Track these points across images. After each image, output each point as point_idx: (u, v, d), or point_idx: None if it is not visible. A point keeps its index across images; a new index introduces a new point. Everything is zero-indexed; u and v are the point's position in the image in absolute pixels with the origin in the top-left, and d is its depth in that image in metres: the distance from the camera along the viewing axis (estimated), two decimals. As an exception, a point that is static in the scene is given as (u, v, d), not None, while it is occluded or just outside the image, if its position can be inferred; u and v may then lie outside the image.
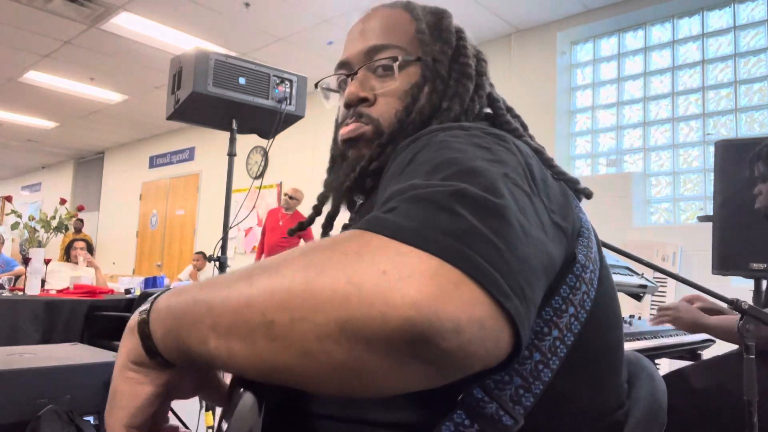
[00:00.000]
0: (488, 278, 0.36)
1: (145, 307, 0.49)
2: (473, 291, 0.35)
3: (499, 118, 0.74)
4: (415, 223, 0.38)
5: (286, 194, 5.40)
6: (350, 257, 0.36)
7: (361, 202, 0.76)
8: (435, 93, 0.71)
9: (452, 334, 0.34)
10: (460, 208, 0.39)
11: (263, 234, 5.51)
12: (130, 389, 0.49)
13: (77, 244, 4.40)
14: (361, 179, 0.71)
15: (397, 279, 0.34)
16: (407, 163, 0.51)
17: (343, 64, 0.78)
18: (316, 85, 0.85)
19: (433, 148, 0.50)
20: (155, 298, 0.49)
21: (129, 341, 0.49)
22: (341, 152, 0.77)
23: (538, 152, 0.62)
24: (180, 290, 0.47)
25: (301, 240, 5.37)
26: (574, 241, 0.55)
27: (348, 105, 0.74)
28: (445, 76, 0.72)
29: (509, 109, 0.77)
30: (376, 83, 0.73)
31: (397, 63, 0.72)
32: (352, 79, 0.75)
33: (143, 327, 0.48)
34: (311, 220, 0.84)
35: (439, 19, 0.78)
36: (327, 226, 0.79)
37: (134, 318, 0.49)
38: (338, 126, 0.77)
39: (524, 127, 0.75)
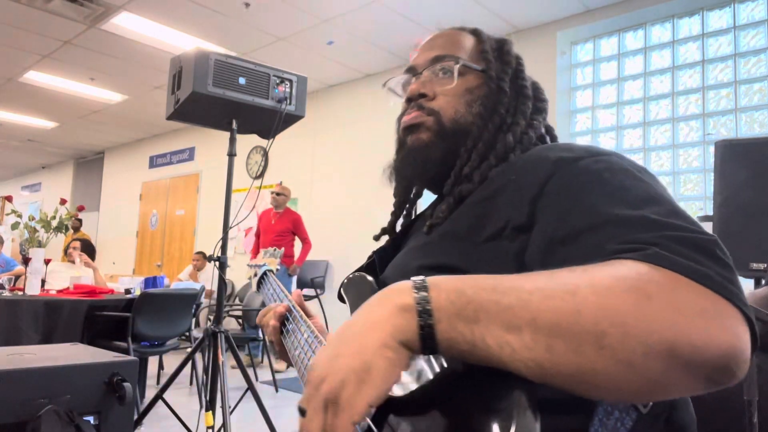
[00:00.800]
0: (752, 325, 0.46)
1: (417, 283, 0.49)
2: (748, 330, 0.45)
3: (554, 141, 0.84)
4: (709, 271, 0.46)
5: (272, 192, 5.38)
6: (668, 289, 0.44)
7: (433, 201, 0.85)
8: (501, 105, 0.79)
9: (744, 366, 0.44)
10: (724, 257, 0.48)
11: (257, 235, 5.49)
12: (388, 369, 0.47)
13: (73, 244, 4.40)
14: (426, 168, 0.80)
15: (716, 318, 0.44)
16: (595, 183, 0.58)
17: (410, 69, 0.87)
18: (384, 85, 0.94)
19: (620, 174, 0.58)
20: (424, 280, 0.49)
21: (400, 318, 0.47)
22: (400, 141, 0.85)
23: None
24: (461, 279, 0.49)
25: (295, 237, 5.37)
26: None
27: (409, 99, 0.83)
28: (507, 91, 0.80)
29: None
30: (437, 84, 0.81)
31: (458, 66, 0.80)
32: (415, 80, 0.84)
33: (426, 307, 0.47)
34: (398, 216, 0.92)
35: (501, 44, 0.86)
36: (399, 214, 0.90)
37: (406, 296, 0.48)
38: (400, 118, 0.86)
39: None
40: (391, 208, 0.95)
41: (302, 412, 0.50)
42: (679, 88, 4.09)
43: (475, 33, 0.87)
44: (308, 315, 0.88)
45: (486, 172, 0.73)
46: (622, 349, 0.42)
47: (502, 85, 0.80)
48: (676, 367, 0.42)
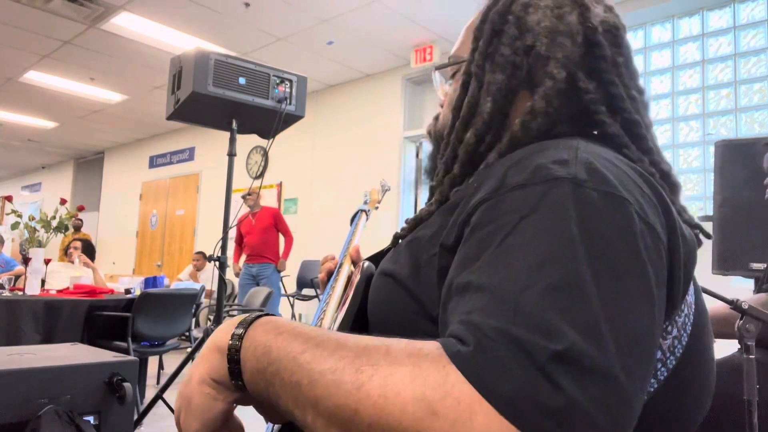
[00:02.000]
0: None
1: (239, 331, 0.49)
2: None
3: (598, 126, 0.61)
4: (519, 396, 0.36)
5: (242, 196, 5.31)
6: (459, 412, 0.36)
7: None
8: (469, 93, 0.66)
9: None
10: (563, 378, 0.36)
11: (238, 242, 5.46)
12: (206, 403, 0.51)
13: (73, 244, 4.40)
14: (428, 175, 0.78)
15: None
16: (507, 232, 0.46)
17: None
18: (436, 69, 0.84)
19: (541, 225, 0.45)
20: (249, 324, 0.50)
21: (214, 359, 0.50)
22: None
23: (664, 187, 0.54)
24: (279, 331, 0.48)
25: (280, 234, 5.36)
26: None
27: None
28: (477, 71, 0.65)
29: (625, 108, 0.62)
30: (443, 90, 0.80)
31: (453, 70, 0.76)
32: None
33: (234, 354, 0.49)
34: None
35: (502, 3, 0.67)
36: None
37: (224, 338, 0.50)
38: None
39: (638, 137, 0.62)
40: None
41: None
42: (679, 88, 4.09)
43: (486, 6, 0.69)
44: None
45: (448, 188, 0.65)
46: None
47: (470, 67, 0.66)
48: None
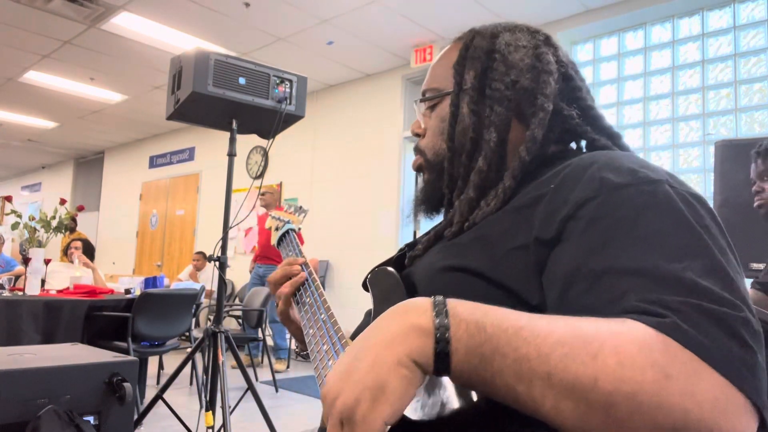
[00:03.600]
0: (764, 408, 0.44)
1: (438, 305, 0.48)
2: (756, 421, 0.44)
3: (587, 142, 0.76)
4: (730, 355, 0.44)
5: (258, 194, 5.33)
6: (687, 372, 0.43)
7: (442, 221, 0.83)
8: (461, 125, 0.76)
9: None
10: (750, 340, 0.46)
11: (260, 235, 5.49)
12: (403, 388, 0.46)
13: (74, 244, 4.40)
14: (429, 203, 0.82)
15: (726, 408, 0.43)
16: (630, 224, 0.53)
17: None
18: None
19: (666, 215, 0.53)
20: (443, 304, 0.48)
21: (417, 339, 0.47)
22: None
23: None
24: (483, 311, 0.48)
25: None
26: None
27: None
28: (474, 107, 0.75)
29: (604, 122, 0.77)
30: (426, 120, 0.84)
31: (432, 102, 0.81)
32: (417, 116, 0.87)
33: (444, 334, 0.46)
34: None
35: (482, 40, 0.78)
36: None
37: (425, 318, 0.47)
38: None
39: (623, 147, 0.77)
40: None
41: (323, 430, 0.50)
42: (679, 88, 4.09)
43: (464, 38, 0.81)
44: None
45: (467, 211, 0.71)
46: (629, 423, 0.42)
47: (460, 100, 0.76)
48: None
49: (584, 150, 0.77)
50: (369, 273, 0.80)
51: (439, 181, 0.79)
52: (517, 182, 0.69)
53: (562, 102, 0.74)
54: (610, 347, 0.43)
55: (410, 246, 0.83)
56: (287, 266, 0.90)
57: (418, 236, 0.89)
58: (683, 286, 0.47)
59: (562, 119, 0.73)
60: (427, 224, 0.85)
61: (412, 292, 0.70)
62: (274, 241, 1.15)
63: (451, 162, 0.77)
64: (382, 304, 0.72)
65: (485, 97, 0.74)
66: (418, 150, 0.83)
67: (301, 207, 1.22)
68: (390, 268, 0.77)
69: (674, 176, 0.59)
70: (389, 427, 0.47)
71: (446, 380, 0.53)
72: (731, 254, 0.53)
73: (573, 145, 0.78)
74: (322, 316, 0.76)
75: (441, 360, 0.46)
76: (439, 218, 0.87)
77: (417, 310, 0.48)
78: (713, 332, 0.44)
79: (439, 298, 0.49)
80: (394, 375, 0.46)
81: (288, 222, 1.15)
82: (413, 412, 0.53)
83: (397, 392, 0.46)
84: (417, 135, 0.85)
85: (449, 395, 0.53)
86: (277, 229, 1.16)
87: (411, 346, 0.47)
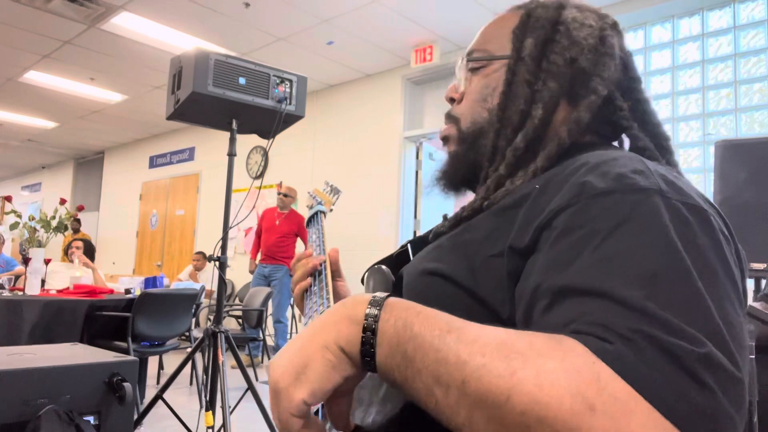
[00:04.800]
0: None
1: (374, 303, 0.48)
2: None
3: (629, 138, 0.70)
4: (674, 395, 0.38)
5: (280, 193, 5.39)
6: (618, 409, 0.37)
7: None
8: (516, 96, 0.68)
9: None
10: (710, 379, 0.39)
11: (258, 234, 5.49)
12: (325, 371, 0.47)
13: (74, 244, 4.40)
14: (453, 178, 0.76)
15: None
16: (605, 235, 0.47)
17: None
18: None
19: (645, 231, 0.47)
20: (383, 300, 0.48)
21: (346, 327, 0.48)
22: None
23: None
24: (417, 310, 0.47)
25: (298, 238, 5.37)
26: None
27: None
28: (529, 78, 0.68)
29: (658, 126, 0.71)
30: (466, 84, 0.76)
31: (477, 63, 0.74)
32: (454, 82, 0.80)
33: (372, 323, 0.47)
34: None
35: (547, 11, 0.71)
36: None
37: (356, 309, 0.48)
38: None
39: (666, 150, 0.70)
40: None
41: None
42: (679, 88, 4.09)
43: (526, 7, 0.74)
44: (339, 276, 0.88)
45: (494, 187, 0.67)
46: None
47: (517, 68, 0.69)
48: None
49: (626, 149, 0.71)
50: (367, 270, 0.79)
51: (471, 154, 0.72)
52: (552, 164, 0.63)
53: (618, 91, 0.69)
54: (533, 365, 0.40)
55: (414, 243, 0.81)
56: (304, 266, 0.86)
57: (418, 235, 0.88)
58: (640, 314, 0.42)
59: (611, 109, 0.69)
60: (426, 224, 0.84)
61: (401, 289, 0.68)
62: (307, 217, 1.14)
63: (497, 134, 0.70)
64: None
65: (541, 70, 0.68)
66: (450, 117, 0.76)
67: (335, 187, 1.17)
68: (383, 267, 0.76)
69: (675, 183, 0.52)
70: (313, 406, 0.48)
71: (399, 395, 0.53)
72: (725, 277, 0.47)
73: (615, 143, 0.73)
74: (321, 308, 0.74)
75: (366, 351, 0.47)
76: (451, 199, 0.84)
77: (355, 303, 0.49)
78: (662, 367, 0.39)
79: (382, 294, 0.49)
80: (318, 356, 0.47)
81: (321, 203, 1.12)
82: (364, 422, 0.54)
83: (317, 374, 0.47)
84: (452, 100, 0.77)
85: (398, 410, 0.53)
86: (310, 207, 1.13)
87: (339, 332, 0.48)
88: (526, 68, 0.68)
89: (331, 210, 1.13)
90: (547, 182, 0.57)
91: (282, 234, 5.28)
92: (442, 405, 0.43)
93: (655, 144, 0.69)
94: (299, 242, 5.41)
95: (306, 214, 1.13)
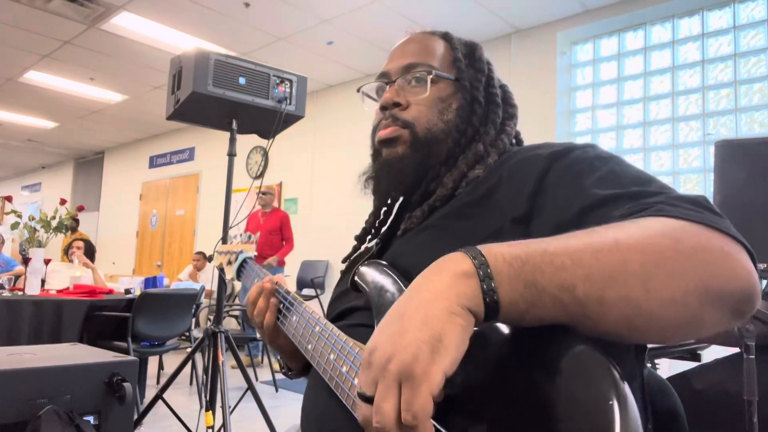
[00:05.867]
0: (753, 257, 0.53)
1: (468, 250, 0.50)
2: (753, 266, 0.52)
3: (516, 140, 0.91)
4: (713, 217, 0.53)
5: (258, 193, 5.36)
6: (691, 233, 0.51)
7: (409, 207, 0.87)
8: (474, 115, 0.84)
9: (758, 296, 0.51)
10: (716, 209, 0.55)
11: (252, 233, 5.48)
12: (459, 335, 0.46)
13: (75, 244, 4.40)
14: (401, 179, 0.83)
15: (733, 256, 0.50)
16: (589, 170, 0.65)
17: (383, 75, 0.89)
18: (358, 90, 0.96)
19: (609, 161, 0.66)
20: (475, 247, 0.51)
21: (462, 284, 0.48)
22: (376, 151, 0.87)
23: None
24: (509, 244, 0.51)
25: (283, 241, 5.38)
26: None
27: (384, 108, 0.85)
28: (481, 101, 0.85)
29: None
30: (410, 93, 0.84)
31: (431, 76, 0.83)
32: (389, 87, 0.86)
33: (487, 271, 0.48)
34: (376, 219, 0.94)
35: (472, 49, 0.89)
36: (376, 218, 0.92)
37: (463, 261, 0.49)
38: (375, 129, 0.88)
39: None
40: (389, 209, 0.95)
41: (366, 398, 0.46)
42: (679, 88, 4.09)
43: (446, 38, 0.89)
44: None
45: (460, 179, 0.79)
46: (666, 289, 0.47)
47: (475, 95, 0.84)
48: (710, 302, 0.48)
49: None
50: (352, 274, 0.78)
51: (423, 157, 0.81)
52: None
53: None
54: (623, 234, 0.50)
55: (358, 239, 0.90)
56: (258, 289, 0.87)
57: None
58: (649, 194, 0.58)
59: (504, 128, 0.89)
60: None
61: (406, 276, 0.71)
62: (230, 276, 1.11)
63: (456, 143, 0.83)
64: (376, 292, 0.72)
65: (489, 98, 0.86)
66: (400, 120, 0.82)
67: (249, 235, 1.18)
68: (382, 261, 0.76)
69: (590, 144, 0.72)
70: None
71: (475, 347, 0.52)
72: None
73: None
74: (317, 328, 0.73)
75: (489, 297, 0.48)
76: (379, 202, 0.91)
77: (455, 260, 0.50)
78: (692, 207, 0.54)
79: (468, 246, 0.51)
80: (449, 324, 0.46)
81: (240, 252, 1.12)
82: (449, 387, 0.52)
83: (455, 340, 0.45)
84: (396, 105, 0.83)
85: (485, 359, 0.52)
86: (229, 263, 1.12)
87: (458, 292, 0.47)
88: (480, 96, 0.84)
89: (255, 255, 1.12)
90: (511, 169, 0.73)
91: (268, 231, 5.29)
92: (571, 305, 0.48)
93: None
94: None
95: (228, 271, 1.11)
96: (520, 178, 0.69)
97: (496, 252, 0.49)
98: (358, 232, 0.95)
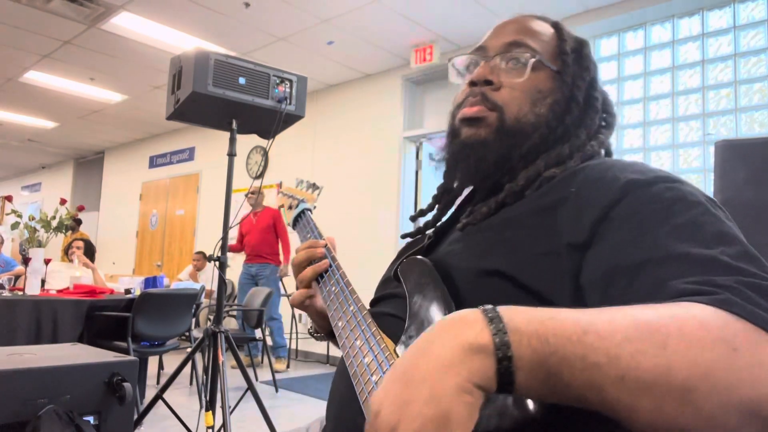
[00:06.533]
0: None
1: (490, 316, 0.45)
2: None
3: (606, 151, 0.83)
4: None
5: (246, 195, 5.33)
6: (752, 342, 0.43)
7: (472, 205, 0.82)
8: (569, 114, 0.77)
9: None
10: None
11: (239, 240, 5.46)
12: (468, 415, 0.42)
13: (75, 244, 4.40)
14: (479, 167, 0.76)
15: None
16: (667, 213, 0.56)
17: (480, 48, 0.82)
18: (449, 61, 0.86)
19: (695, 207, 0.56)
20: (498, 314, 0.45)
21: (476, 362, 0.43)
22: (454, 130, 0.80)
23: None
24: (540, 318, 0.45)
25: (278, 239, 5.37)
26: None
27: (473, 83, 0.78)
28: (580, 101, 0.78)
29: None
30: (505, 73, 0.77)
31: (533, 60, 0.76)
32: (483, 63, 0.79)
33: (507, 353, 0.43)
34: (431, 207, 0.88)
35: (581, 45, 0.83)
36: (437, 204, 0.87)
37: (484, 336, 0.44)
38: (458, 105, 0.80)
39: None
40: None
41: None
42: (679, 88, 4.08)
43: (556, 26, 0.83)
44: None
45: (533, 179, 0.72)
46: (707, 405, 0.41)
47: (575, 94, 0.77)
48: (755, 424, 0.42)
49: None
50: (398, 264, 0.77)
51: (505, 147, 0.74)
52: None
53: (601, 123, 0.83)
54: (676, 332, 0.43)
55: (413, 218, 0.85)
56: (310, 249, 0.86)
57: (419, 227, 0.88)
58: (727, 267, 0.49)
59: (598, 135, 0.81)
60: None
61: (445, 279, 0.69)
62: (288, 220, 1.05)
63: (543, 139, 0.75)
64: (414, 293, 0.70)
65: (589, 101, 0.79)
66: (489, 101, 0.76)
67: (314, 184, 1.11)
68: (424, 258, 0.74)
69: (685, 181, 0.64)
70: None
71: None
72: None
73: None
74: (351, 308, 0.72)
75: (504, 379, 0.43)
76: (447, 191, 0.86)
77: (470, 327, 0.45)
78: (764, 303, 0.45)
79: (489, 308, 0.46)
80: (457, 403, 0.42)
81: (302, 201, 1.06)
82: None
83: (463, 420, 0.42)
84: (488, 83, 0.77)
85: (504, 405, 0.50)
86: (290, 207, 1.06)
87: (471, 369, 0.43)
88: (580, 96, 0.78)
89: (314, 207, 1.07)
90: (581, 184, 0.64)
91: (260, 231, 5.29)
92: (596, 403, 0.43)
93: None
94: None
95: (287, 215, 1.06)
96: (588, 200, 0.61)
97: (522, 329, 0.44)
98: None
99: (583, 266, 0.57)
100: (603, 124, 0.81)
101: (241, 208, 2.51)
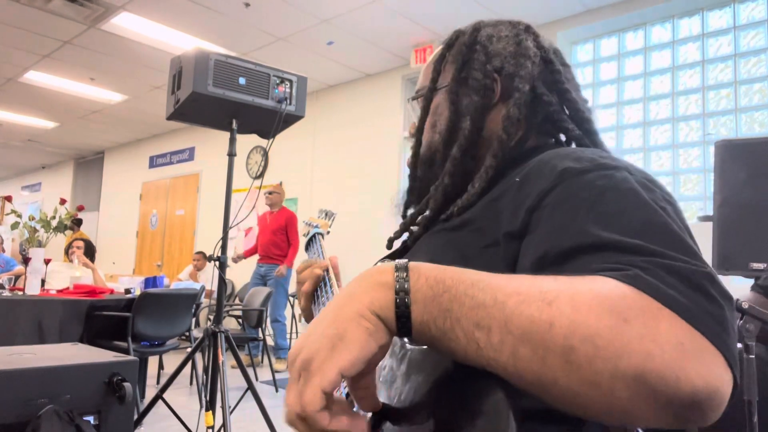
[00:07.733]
0: (735, 366, 0.44)
1: (399, 264, 0.49)
2: (730, 375, 0.43)
3: (563, 131, 0.79)
4: (695, 306, 0.44)
5: (266, 193, 5.37)
6: (647, 317, 0.42)
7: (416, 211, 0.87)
8: (446, 115, 0.79)
9: (718, 409, 0.43)
10: (715, 294, 0.46)
11: (258, 238, 5.49)
12: (362, 337, 0.46)
13: (75, 244, 4.40)
14: (418, 196, 0.85)
15: (692, 353, 0.42)
16: (599, 201, 0.55)
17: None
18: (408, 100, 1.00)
19: (625, 196, 0.55)
20: (407, 263, 0.49)
21: (378, 292, 0.48)
22: None
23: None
24: (443, 267, 0.49)
25: (288, 238, 5.37)
26: None
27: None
28: (453, 97, 0.79)
29: (581, 112, 0.79)
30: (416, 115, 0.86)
31: (419, 100, 0.84)
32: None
33: (404, 286, 0.47)
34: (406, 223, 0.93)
35: (464, 37, 0.83)
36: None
37: (387, 274, 0.48)
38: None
39: (592, 133, 0.79)
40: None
41: None
42: (679, 88, 4.09)
43: (446, 43, 0.86)
44: (339, 282, 0.92)
45: (441, 198, 0.77)
46: (588, 368, 0.41)
47: (432, 97, 0.82)
48: (643, 397, 0.41)
49: (564, 145, 0.80)
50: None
51: (428, 173, 0.82)
52: (498, 162, 0.73)
53: (543, 87, 0.77)
54: (566, 295, 0.44)
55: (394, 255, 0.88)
56: (307, 264, 0.93)
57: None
58: (646, 250, 0.48)
59: (542, 105, 0.76)
60: None
61: None
62: (302, 245, 1.20)
63: (435, 154, 0.81)
64: None
65: (468, 88, 0.78)
66: (415, 146, 0.86)
67: (329, 212, 1.25)
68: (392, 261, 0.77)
69: (634, 166, 0.61)
70: (344, 379, 0.46)
71: (423, 365, 0.53)
72: (689, 237, 0.53)
73: (553, 140, 0.81)
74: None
75: (401, 311, 0.47)
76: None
77: (380, 270, 0.50)
78: (678, 285, 0.45)
79: (402, 260, 0.50)
80: (354, 325, 0.46)
81: (317, 227, 1.19)
82: (391, 400, 0.53)
83: (356, 341, 0.46)
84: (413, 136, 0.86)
85: (425, 380, 0.53)
86: (305, 234, 1.20)
87: (372, 298, 0.48)
88: (449, 91, 0.79)
89: (328, 232, 1.20)
90: (525, 175, 0.64)
91: (272, 232, 5.28)
92: (485, 348, 0.44)
93: (582, 129, 0.77)
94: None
95: (303, 241, 1.21)
96: (527, 186, 0.61)
97: (423, 271, 0.48)
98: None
99: (519, 256, 0.59)
100: (566, 111, 0.78)
101: (240, 208, 2.51)
